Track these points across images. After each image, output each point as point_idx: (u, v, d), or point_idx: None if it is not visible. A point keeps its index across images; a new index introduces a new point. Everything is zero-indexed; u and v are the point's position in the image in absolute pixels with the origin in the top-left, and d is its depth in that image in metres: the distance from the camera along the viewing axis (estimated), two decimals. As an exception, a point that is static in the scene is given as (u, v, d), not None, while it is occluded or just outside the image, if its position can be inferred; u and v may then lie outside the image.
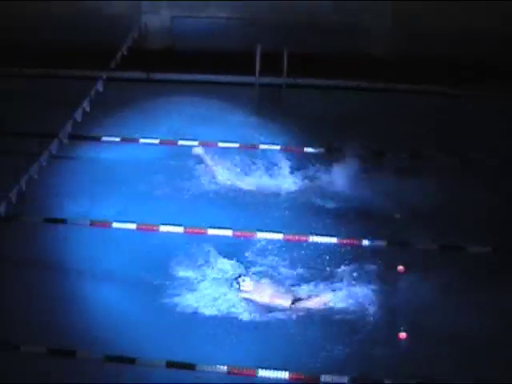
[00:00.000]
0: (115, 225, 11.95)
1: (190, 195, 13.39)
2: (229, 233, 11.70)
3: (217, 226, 11.79)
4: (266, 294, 10.96)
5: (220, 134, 14.57)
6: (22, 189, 12.42)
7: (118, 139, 14.69)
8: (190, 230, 11.77)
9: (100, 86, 15.28)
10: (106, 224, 12.03)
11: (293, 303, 10.91)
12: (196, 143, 14.37)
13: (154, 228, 11.83)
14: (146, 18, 18.14)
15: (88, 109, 14.51)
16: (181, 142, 14.47)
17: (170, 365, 9.60)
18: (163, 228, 11.77)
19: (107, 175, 13.90)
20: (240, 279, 11.03)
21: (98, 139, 14.70)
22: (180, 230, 11.74)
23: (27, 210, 12.49)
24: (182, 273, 11.39)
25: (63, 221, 12.24)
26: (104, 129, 15.04)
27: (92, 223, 12.09)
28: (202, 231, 11.77)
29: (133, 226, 11.87)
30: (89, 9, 18.01)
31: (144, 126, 15.23)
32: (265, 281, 11.19)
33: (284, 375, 9.56)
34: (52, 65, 17.02)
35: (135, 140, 14.69)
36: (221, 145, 14.29)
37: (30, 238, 12.26)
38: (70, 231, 12.23)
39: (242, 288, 10.95)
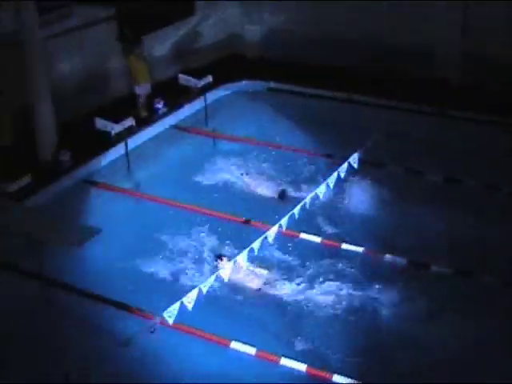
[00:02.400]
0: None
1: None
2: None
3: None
4: None
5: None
6: (305, 205, 13.16)
7: (400, 169, 15.25)
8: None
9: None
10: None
11: None
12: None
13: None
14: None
15: (380, 137, 15.06)
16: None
17: None
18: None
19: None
20: None
21: (382, 167, 15.34)
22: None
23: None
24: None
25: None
26: (390, 158, 15.57)
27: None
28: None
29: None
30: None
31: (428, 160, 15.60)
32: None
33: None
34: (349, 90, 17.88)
35: (419, 173, 15.13)
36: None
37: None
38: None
39: None
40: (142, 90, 17.57)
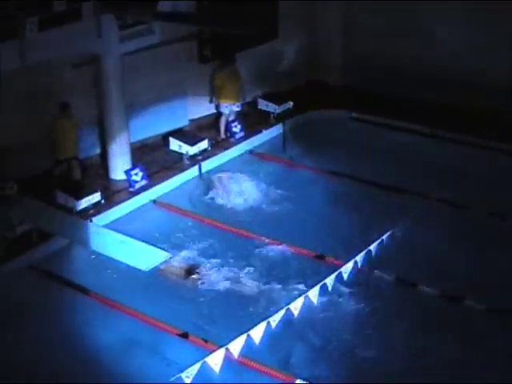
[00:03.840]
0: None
1: None
2: None
3: None
4: None
5: None
6: (382, 242, 13.03)
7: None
8: None
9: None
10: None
11: None
12: None
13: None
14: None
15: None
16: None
17: None
18: None
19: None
20: None
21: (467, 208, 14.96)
22: None
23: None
24: None
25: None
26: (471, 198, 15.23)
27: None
28: None
29: None
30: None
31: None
32: None
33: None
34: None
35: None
36: None
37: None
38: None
39: None
40: (226, 109, 17.76)
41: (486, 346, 11.63)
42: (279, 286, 12.89)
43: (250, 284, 12.99)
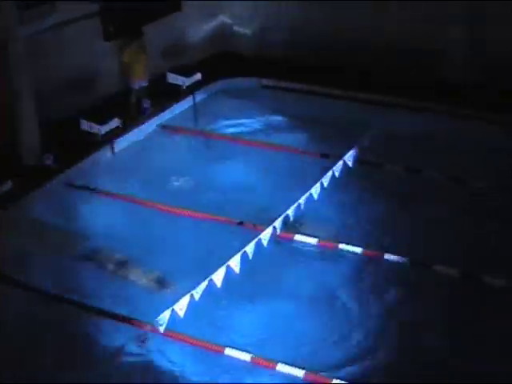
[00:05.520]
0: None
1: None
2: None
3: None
4: None
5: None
6: (300, 206, 13.26)
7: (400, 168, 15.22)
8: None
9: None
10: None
11: None
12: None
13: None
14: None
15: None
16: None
17: None
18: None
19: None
20: None
21: (380, 166, 15.33)
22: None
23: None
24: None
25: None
26: (387, 157, 15.52)
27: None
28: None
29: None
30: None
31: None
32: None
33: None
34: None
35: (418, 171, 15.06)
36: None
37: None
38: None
39: None
40: (135, 85, 17.78)
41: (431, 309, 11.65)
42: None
43: None
